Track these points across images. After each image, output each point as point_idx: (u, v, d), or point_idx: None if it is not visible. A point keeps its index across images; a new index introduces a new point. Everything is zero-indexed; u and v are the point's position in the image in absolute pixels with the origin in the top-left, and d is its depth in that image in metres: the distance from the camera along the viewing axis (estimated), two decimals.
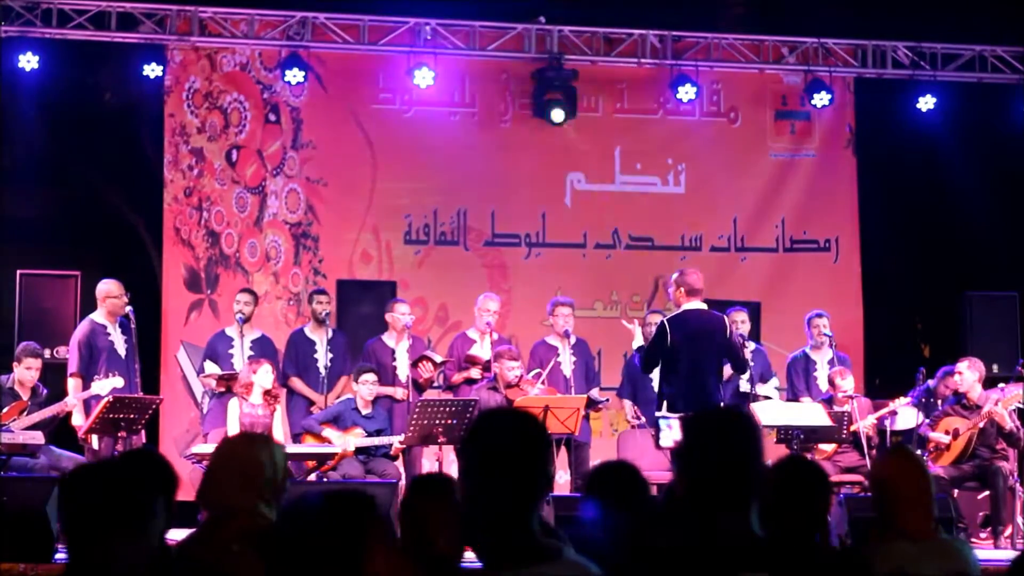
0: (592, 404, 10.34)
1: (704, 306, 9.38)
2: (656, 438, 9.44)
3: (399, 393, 10.51)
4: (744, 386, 10.55)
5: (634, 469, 4.44)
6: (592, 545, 4.45)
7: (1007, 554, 9.30)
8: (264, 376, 9.86)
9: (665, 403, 9.24)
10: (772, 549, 3.05)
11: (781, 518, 4.10)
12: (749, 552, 2.96)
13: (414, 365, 10.42)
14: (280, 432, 9.90)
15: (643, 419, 10.46)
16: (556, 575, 3.01)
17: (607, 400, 10.76)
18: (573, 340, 10.57)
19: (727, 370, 9.68)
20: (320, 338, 10.75)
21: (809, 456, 9.96)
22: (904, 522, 4.26)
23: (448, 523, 3.63)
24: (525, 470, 2.98)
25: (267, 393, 9.89)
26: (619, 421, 11.77)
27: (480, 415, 3.17)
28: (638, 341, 9.75)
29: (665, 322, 9.34)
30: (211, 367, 10.45)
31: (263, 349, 10.60)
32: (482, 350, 10.65)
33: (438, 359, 10.53)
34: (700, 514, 3.04)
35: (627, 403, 10.87)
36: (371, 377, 10.16)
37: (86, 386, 9.83)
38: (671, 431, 9.15)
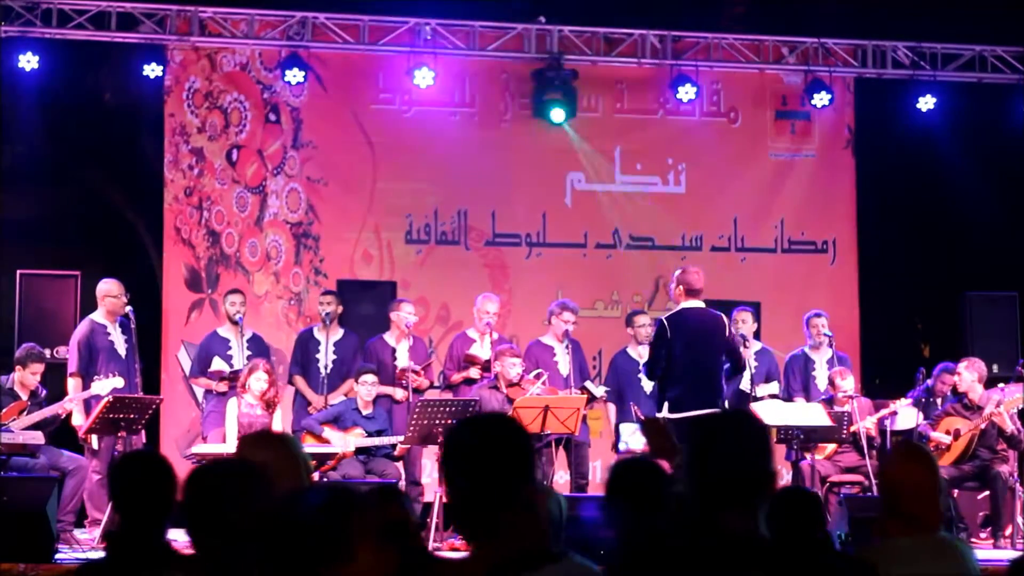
0: (592, 400, 10.34)
1: (703, 305, 9.37)
2: (615, 443, 9.44)
3: (399, 394, 10.52)
4: (745, 385, 10.54)
5: (658, 468, 4.40)
6: (591, 546, 4.45)
7: (1007, 554, 9.30)
8: (256, 382, 9.87)
9: (667, 404, 9.21)
10: (779, 550, 3.04)
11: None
12: (757, 553, 2.96)
13: (400, 380, 10.40)
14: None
15: (643, 417, 10.45)
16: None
17: (607, 391, 10.76)
18: (565, 342, 10.56)
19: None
20: (325, 338, 10.77)
21: (809, 456, 9.99)
22: (905, 519, 4.27)
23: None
24: (504, 473, 3.00)
25: (262, 397, 9.90)
26: (612, 419, 11.75)
27: (453, 426, 3.18)
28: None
29: (664, 320, 9.31)
30: (219, 364, 10.43)
31: (258, 348, 10.61)
32: (482, 350, 10.65)
33: (417, 367, 10.47)
34: (707, 515, 3.05)
35: (611, 406, 10.84)
36: (371, 378, 10.18)
37: (86, 386, 9.83)
38: (633, 436, 9.16)
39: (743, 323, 10.76)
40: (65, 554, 8.61)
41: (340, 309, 10.94)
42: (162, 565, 3.70)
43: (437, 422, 9.47)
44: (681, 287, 9.29)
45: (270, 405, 9.95)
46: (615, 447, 9.98)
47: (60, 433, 9.92)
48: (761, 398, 10.50)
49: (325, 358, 10.66)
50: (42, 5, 11.58)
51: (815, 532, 4.25)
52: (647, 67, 12.73)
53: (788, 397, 10.97)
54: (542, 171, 12.70)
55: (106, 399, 9.40)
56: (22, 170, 11.97)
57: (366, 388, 10.13)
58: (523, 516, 3.05)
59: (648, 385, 10.28)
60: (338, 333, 10.86)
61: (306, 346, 10.84)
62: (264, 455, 3.80)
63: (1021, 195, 12.92)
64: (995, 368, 11.64)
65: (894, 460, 4.57)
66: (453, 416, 9.49)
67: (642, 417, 10.44)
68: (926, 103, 12.78)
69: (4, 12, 11.41)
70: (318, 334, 10.85)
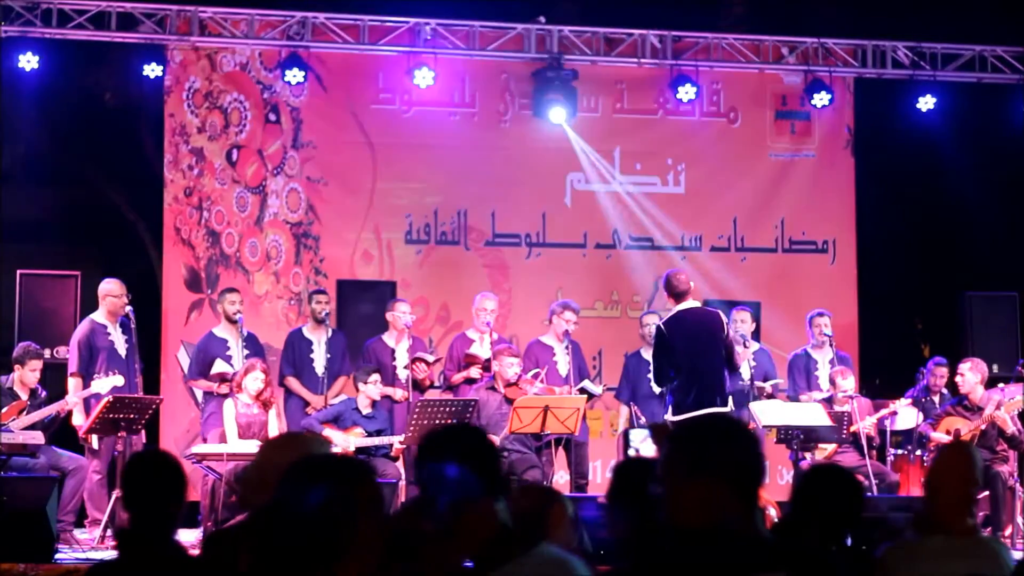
0: (591, 399, 10.35)
1: (698, 304, 9.36)
2: (625, 448, 9.42)
3: (398, 394, 10.52)
4: (744, 384, 10.52)
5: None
6: (591, 546, 4.45)
7: None
8: (252, 382, 9.86)
9: (670, 408, 9.17)
10: (780, 550, 3.05)
11: (807, 522, 4.14)
12: (759, 553, 2.96)
13: (410, 367, 10.42)
14: (276, 432, 9.89)
15: (643, 418, 10.46)
16: (536, 566, 3.04)
17: (603, 390, 10.76)
18: (565, 342, 10.57)
19: None
20: (318, 338, 10.76)
21: (810, 456, 9.99)
22: (943, 517, 4.28)
23: None
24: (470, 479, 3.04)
25: (259, 396, 9.89)
26: (620, 422, 11.77)
27: (422, 441, 3.23)
28: None
29: (661, 325, 9.31)
30: (222, 366, 10.41)
31: (255, 347, 10.60)
32: (481, 349, 10.65)
33: (430, 358, 10.52)
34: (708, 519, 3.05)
35: (624, 409, 10.85)
36: (377, 377, 10.18)
37: (86, 386, 9.84)
38: (644, 443, 9.13)
39: (742, 323, 10.75)
40: (65, 554, 8.62)
41: (330, 307, 10.98)
42: (174, 564, 3.71)
43: (437, 422, 9.47)
44: (666, 293, 9.35)
45: (267, 405, 9.95)
46: (625, 453, 9.95)
47: (60, 433, 9.93)
48: (760, 397, 10.49)
49: (321, 358, 10.66)
50: (42, 5, 11.58)
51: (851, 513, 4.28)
52: (647, 67, 12.73)
53: (794, 396, 10.97)
54: (542, 171, 12.70)
55: (106, 399, 9.40)
56: (22, 170, 11.98)
57: (376, 388, 10.12)
58: (485, 513, 3.09)
59: (658, 387, 10.28)
60: (328, 332, 10.86)
61: (298, 347, 10.83)
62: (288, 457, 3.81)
63: (1021, 195, 12.93)
64: (995, 368, 11.64)
65: (937, 460, 4.59)
66: (453, 416, 9.49)
67: (643, 420, 10.45)
68: (926, 103, 12.78)
69: (4, 12, 11.41)
70: (308, 334, 10.84)
